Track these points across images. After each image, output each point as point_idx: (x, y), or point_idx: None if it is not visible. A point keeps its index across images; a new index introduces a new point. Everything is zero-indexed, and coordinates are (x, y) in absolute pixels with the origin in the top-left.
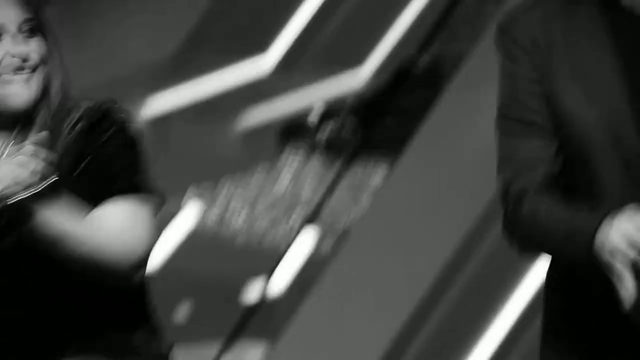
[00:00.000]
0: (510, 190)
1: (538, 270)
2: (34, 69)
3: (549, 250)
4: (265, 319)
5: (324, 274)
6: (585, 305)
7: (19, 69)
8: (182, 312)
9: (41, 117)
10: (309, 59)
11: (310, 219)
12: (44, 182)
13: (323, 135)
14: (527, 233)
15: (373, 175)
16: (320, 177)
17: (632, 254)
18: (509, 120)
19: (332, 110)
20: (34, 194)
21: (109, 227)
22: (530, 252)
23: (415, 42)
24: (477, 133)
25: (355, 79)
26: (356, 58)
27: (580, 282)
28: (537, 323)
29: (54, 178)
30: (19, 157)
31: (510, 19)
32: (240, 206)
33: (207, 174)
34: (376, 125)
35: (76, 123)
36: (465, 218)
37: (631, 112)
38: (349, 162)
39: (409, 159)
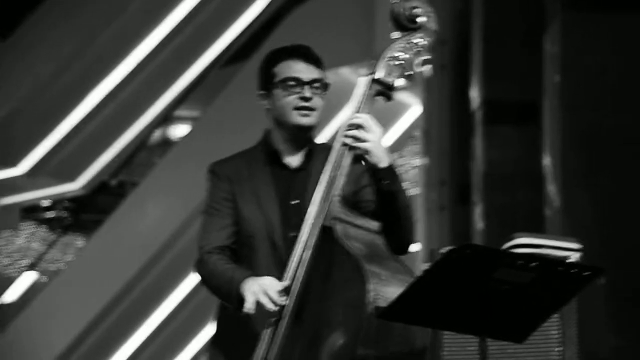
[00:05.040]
0: (202, 250)
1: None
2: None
3: (216, 288)
4: None
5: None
6: (235, 322)
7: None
8: None
9: None
10: (46, 172)
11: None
12: None
13: (50, 214)
14: (207, 276)
15: (78, 241)
16: (45, 238)
17: (259, 294)
18: (210, 209)
19: (56, 201)
20: None
21: None
22: (208, 287)
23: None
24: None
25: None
26: (71, 175)
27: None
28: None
29: None
30: None
31: (217, 164)
32: None
33: None
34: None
35: None
36: None
37: (280, 219)
38: (64, 232)
39: (105, 234)
